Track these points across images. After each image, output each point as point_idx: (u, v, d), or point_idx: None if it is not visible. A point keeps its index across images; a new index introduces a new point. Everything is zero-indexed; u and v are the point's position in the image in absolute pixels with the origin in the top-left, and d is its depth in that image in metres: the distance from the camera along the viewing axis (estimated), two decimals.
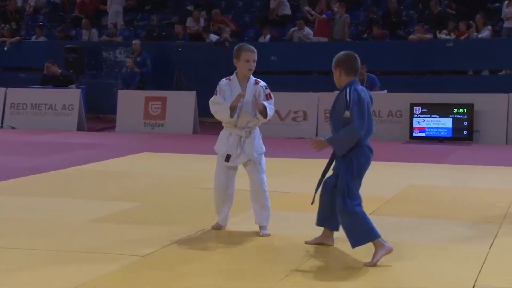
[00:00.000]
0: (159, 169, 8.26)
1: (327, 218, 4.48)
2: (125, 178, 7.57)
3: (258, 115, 4.82)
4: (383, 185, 6.96)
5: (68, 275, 3.99)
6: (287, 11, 16.42)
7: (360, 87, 4.24)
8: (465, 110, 11.06)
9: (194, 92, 12.96)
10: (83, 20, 16.74)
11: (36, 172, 7.79)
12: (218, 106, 4.89)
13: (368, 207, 5.78)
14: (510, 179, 7.29)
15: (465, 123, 11.02)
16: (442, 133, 11.09)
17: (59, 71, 14.43)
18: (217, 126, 16.40)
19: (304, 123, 11.92)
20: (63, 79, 14.32)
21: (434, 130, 11.14)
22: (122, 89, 14.10)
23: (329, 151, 4.34)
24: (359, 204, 4.20)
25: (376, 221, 5.32)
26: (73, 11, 17.95)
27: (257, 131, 4.95)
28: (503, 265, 4.20)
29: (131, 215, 5.63)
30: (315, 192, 4.44)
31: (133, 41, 15.18)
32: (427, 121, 11.19)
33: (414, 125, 11.22)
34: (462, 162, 8.91)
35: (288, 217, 5.47)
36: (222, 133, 5.03)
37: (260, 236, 4.83)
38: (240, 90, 4.84)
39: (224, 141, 4.96)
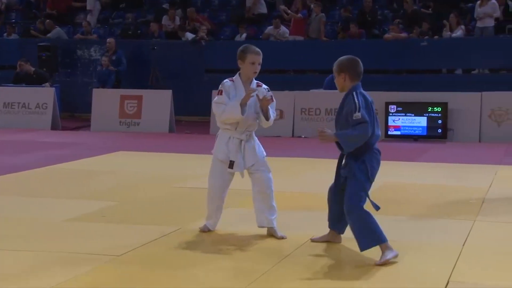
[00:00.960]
0: (135, 168, 8.21)
1: (335, 222, 4.51)
2: (101, 177, 7.51)
3: (261, 117, 4.67)
4: None
5: (42, 275, 3.95)
6: (263, 9, 16.44)
7: (364, 91, 4.25)
8: (439, 108, 11.18)
9: (170, 90, 12.92)
10: (47, 21, 16.53)
11: (10, 171, 7.69)
12: (224, 106, 4.70)
13: None
14: (483, 176, 7.38)
15: (439, 121, 11.14)
16: (417, 132, 11.19)
17: (33, 69, 14.27)
18: (193, 125, 16.29)
19: (281, 122, 11.92)
20: (36, 78, 14.15)
21: (409, 128, 11.23)
22: (97, 87, 13.99)
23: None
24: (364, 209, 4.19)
25: None
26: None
27: (254, 135, 4.83)
28: (477, 261, 4.25)
29: (106, 214, 5.59)
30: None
31: (108, 39, 15.07)
32: (402, 119, 11.29)
33: (389, 124, 11.31)
34: (437, 160, 9.00)
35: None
36: (220, 136, 4.83)
37: (279, 238, 4.68)
38: (244, 92, 4.68)
39: (223, 145, 4.76)
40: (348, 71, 4.24)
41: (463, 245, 4.59)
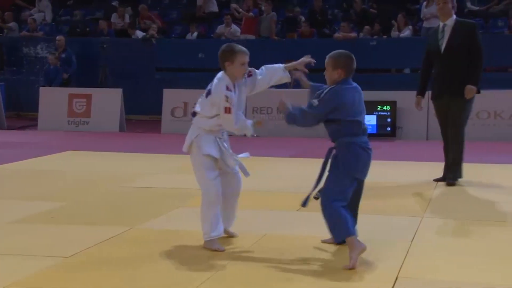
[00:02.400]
0: (84, 167, 8.08)
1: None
2: (49, 177, 7.36)
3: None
4: (309, 181, 7.04)
5: None
6: (214, 8, 16.42)
7: (348, 86, 4.21)
8: (388, 107, 11.37)
9: (120, 89, 12.78)
10: (6, 13, 16.20)
11: None
12: (240, 123, 4.35)
13: (293, 203, 5.86)
14: (430, 174, 7.52)
15: (389, 120, 11.33)
16: None
17: None
18: (144, 124, 16.09)
19: None
20: None
21: None
22: (44, 86, 13.71)
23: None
24: (342, 202, 4.16)
25: (301, 217, 5.42)
26: None
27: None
28: (425, 257, 4.33)
29: (55, 215, 5.47)
30: (309, 195, 4.30)
31: (57, 37, 14.78)
32: None
33: None
34: (386, 158, 9.13)
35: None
36: (204, 136, 4.41)
37: (231, 236, 4.64)
38: (238, 95, 4.39)
39: (211, 143, 4.41)
40: (344, 67, 4.24)
41: (412, 241, 4.67)
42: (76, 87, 13.67)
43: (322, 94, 4.20)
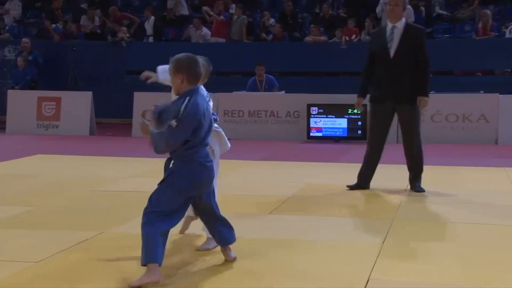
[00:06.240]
0: (53, 171, 7.98)
1: (212, 233, 4.17)
2: (18, 182, 7.25)
3: None
4: (281, 184, 7.08)
5: None
6: (185, 11, 16.38)
7: (198, 100, 3.75)
8: (359, 110, 11.43)
9: (90, 92, 12.66)
10: None
11: None
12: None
13: (266, 207, 5.88)
14: (400, 176, 7.60)
15: (359, 123, 11.41)
16: (338, 133, 11.43)
17: None
18: (115, 127, 15.94)
19: None
20: None
21: (330, 130, 11.46)
22: (12, 88, 13.51)
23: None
24: (160, 224, 3.76)
25: (273, 220, 5.43)
26: None
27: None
28: (396, 258, 4.37)
29: (24, 219, 5.40)
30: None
31: (23, 39, 14.58)
32: (324, 121, 11.50)
33: (311, 125, 11.50)
34: (356, 161, 9.18)
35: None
36: None
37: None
38: None
39: None
40: (186, 72, 3.77)
41: (383, 243, 4.71)
42: (45, 90, 13.51)
43: (180, 112, 3.68)
